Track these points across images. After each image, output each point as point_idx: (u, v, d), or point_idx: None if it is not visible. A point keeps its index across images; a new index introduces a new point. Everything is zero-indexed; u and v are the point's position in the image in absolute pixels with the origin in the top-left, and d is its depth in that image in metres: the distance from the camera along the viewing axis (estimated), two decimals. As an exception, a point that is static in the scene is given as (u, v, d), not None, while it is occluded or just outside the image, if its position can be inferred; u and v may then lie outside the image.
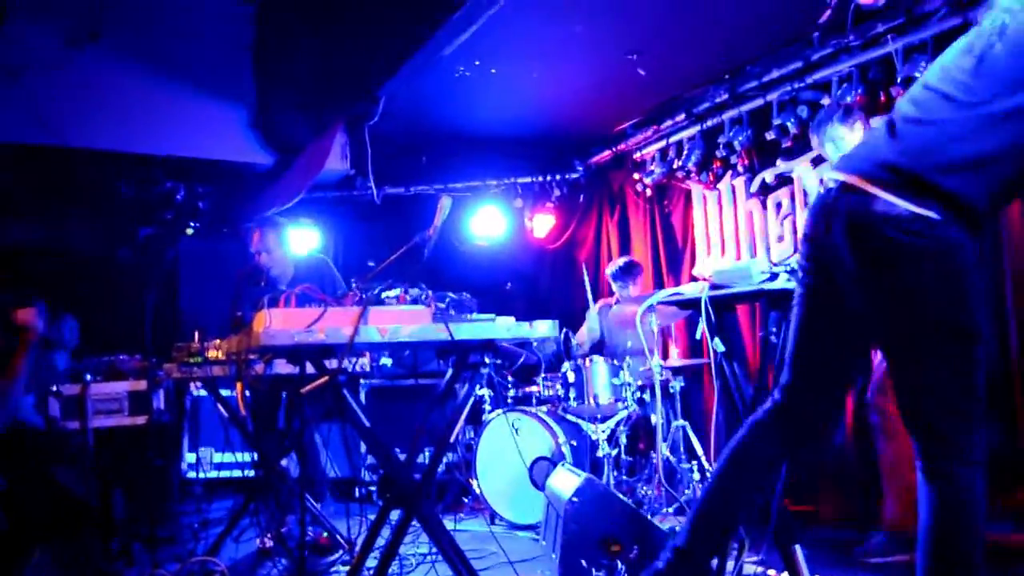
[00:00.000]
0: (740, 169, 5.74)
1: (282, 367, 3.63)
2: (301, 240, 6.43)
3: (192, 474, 5.98)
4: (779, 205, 5.46)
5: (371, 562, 2.97)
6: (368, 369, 4.17)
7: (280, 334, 2.84)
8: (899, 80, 4.49)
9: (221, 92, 5.94)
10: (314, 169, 6.13)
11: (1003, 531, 3.96)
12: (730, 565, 2.85)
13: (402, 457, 3.13)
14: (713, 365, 2.94)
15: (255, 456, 4.08)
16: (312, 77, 5.26)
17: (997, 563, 3.50)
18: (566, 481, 3.69)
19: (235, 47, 5.79)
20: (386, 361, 6.02)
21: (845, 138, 3.65)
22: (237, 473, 5.87)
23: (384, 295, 2.96)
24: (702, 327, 2.90)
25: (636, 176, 6.55)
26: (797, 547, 2.74)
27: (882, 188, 1.98)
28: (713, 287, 2.92)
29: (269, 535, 4.04)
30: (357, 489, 5.95)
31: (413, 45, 4.57)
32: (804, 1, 4.44)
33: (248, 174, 6.65)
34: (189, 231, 6.67)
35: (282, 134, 6.03)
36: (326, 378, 3.07)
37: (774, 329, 2.89)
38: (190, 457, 6.04)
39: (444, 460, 5.51)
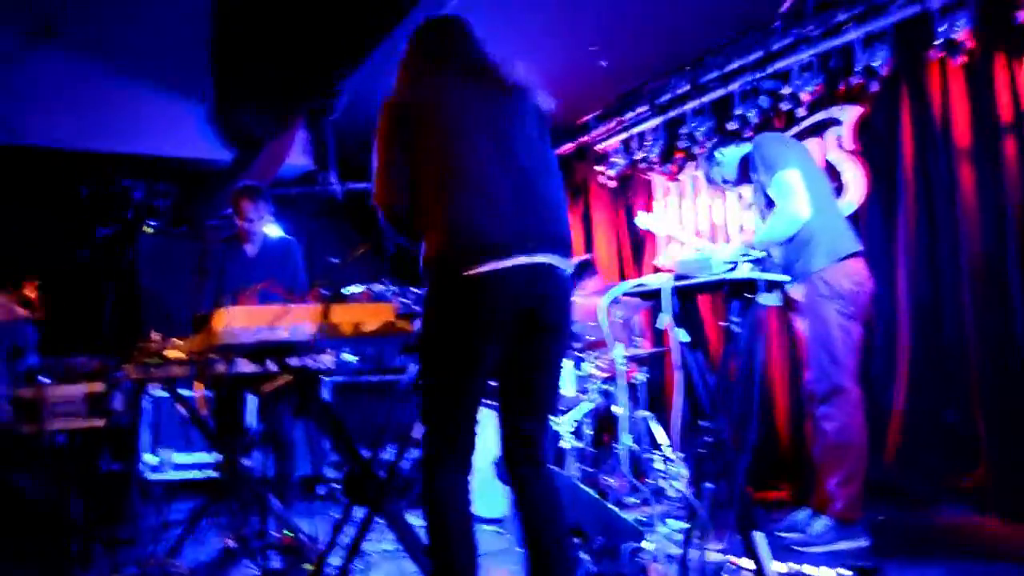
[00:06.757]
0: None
1: (243, 365, 3.57)
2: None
3: (153, 475, 5.88)
4: (740, 196, 5.48)
5: (336, 560, 2.94)
6: (331, 366, 4.11)
7: (242, 332, 2.80)
8: (857, 69, 4.53)
9: (179, 88, 5.83)
10: (275, 164, 6.04)
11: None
12: (693, 554, 2.86)
13: (366, 454, 3.10)
14: (676, 355, 2.94)
15: (217, 456, 4.02)
16: (271, 72, 5.18)
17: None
18: (532, 474, 3.66)
19: (192, 41, 5.68)
20: (349, 357, 5.96)
21: None
22: (199, 474, 5.78)
23: (347, 291, 2.93)
24: (664, 317, 2.90)
25: (599, 168, 6.55)
26: (758, 533, 2.75)
27: None
28: (676, 277, 2.92)
29: (231, 536, 3.98)
30: (320, 487, 5.88)
31: (374, 39, 4.52)
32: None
33: (207, 171, 6.54)
34: (148, 230, 6.55)
35: (241, 130, 5.94)
36: (289, 377, 3.04)
37: (735, 318, 2.90)
38: (151, 458, 5.94)
39: (410, 456, 5.46)
